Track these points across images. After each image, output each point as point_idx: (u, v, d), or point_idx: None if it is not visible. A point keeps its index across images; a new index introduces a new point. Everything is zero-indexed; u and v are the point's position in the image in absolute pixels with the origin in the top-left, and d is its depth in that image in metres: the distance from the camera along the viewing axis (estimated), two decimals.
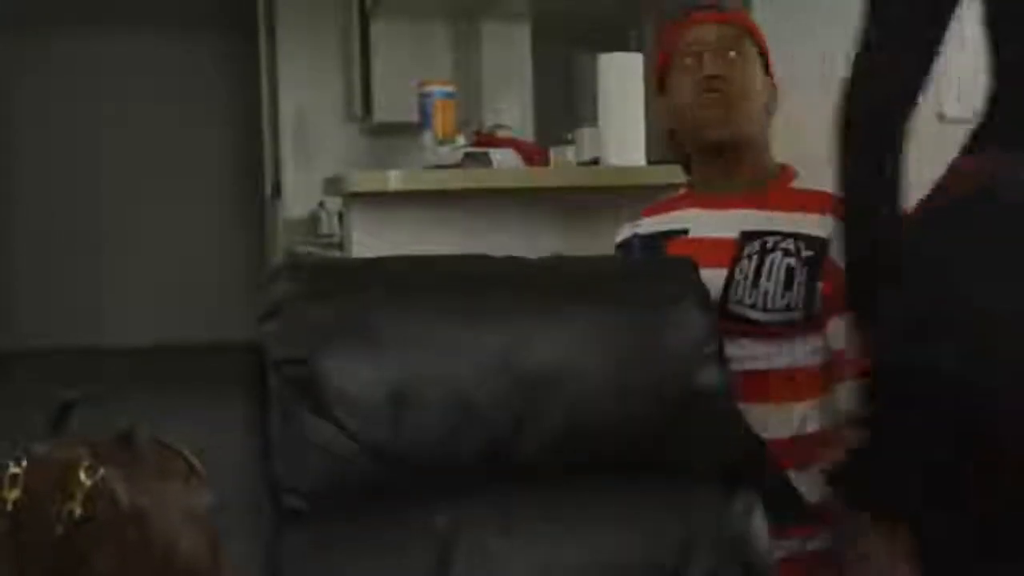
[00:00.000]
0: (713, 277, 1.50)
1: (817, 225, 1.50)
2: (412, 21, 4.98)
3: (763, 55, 1.64)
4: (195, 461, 0.99)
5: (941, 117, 4.79)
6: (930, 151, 4.70)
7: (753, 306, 1.49)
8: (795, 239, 1.51)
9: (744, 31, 1.62)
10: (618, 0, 4.83)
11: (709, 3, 1.69)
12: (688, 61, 1.60)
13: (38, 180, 7.35)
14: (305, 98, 5.33)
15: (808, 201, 1.55)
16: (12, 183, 7.31)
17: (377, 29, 5.00)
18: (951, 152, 4.48)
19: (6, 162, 7.30)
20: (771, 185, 1.60)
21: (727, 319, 1.48)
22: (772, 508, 1.36)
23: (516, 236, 2.19)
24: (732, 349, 1.43)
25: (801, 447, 1.49)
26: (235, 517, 1.13)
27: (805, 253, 1.49)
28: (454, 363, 1.25)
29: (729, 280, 1.52)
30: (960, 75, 5.09)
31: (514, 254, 1.49)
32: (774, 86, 1.66)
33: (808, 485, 1.45)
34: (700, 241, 1.58)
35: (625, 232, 1.72)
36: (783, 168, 1.65)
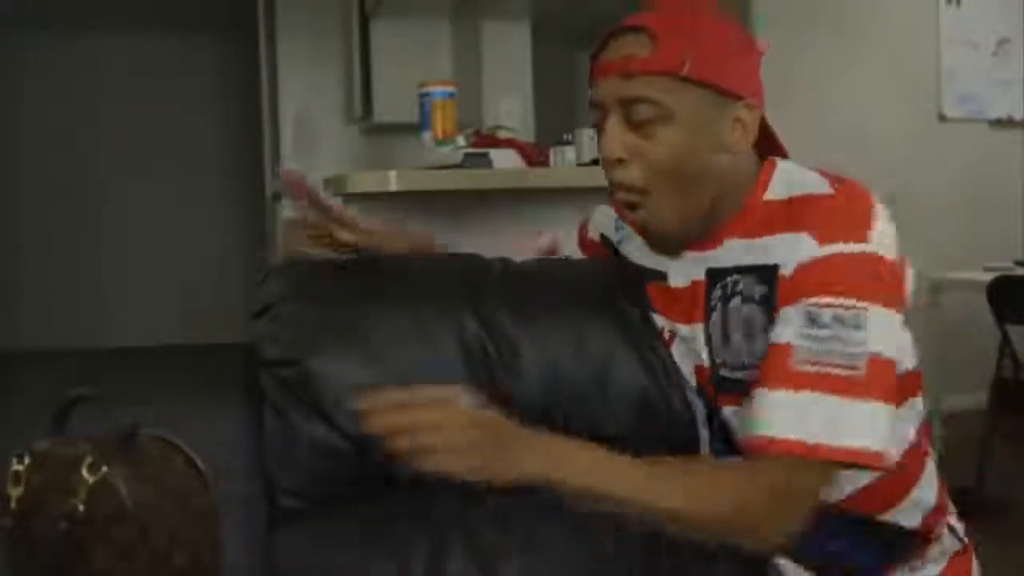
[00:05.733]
0: (695, 337, 1.24)
1: (778, 247, 1.15)
2: (412, 21, 4.98)
3: (709, 85, 1.15)
4: (197, 458, 0.99)
5: (941, 117, 4.81)
6: (930, 151, 4.77)
7: (736, 367, 1.19)
8: (749, 274, 1.18)
9: (664, 75, 1.14)
10: (618, 0, 4.82)
11: (629, 24, 1.18)
12: (594, 116, 1.22)
13: (39, 181, 7.35)
14: (305, 98, 5.32)
15: (776, 217, 1.17)
16: (13, 184, 7.31)
17: (377, 29, 5.00)
18: (951, 152, 4.56)
19: (7, 163, 7.30)
20: (744, 200, 1.21)
21: (724, 390, 1.22)
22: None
23: (516, 236, 2.19)
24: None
25: None
26: (231, 515, 1.14)
27: (759, 291, 1.16)
28: (444, 363, 1.25)
29: (708, 340, 1.22)
30: (960, 75, 5.11)
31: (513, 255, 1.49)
32: (745, 105, 1.17)
33: None
34: (677, 293, 1.27)
35: (599, 222, 1.44)
36: (763, 168, 1.22)
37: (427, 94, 2.93)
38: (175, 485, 0.95)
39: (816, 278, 1.08)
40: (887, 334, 1.06)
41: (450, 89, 2.97)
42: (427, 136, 2.90)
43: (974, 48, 4.88)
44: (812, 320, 1.06)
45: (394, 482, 1.26)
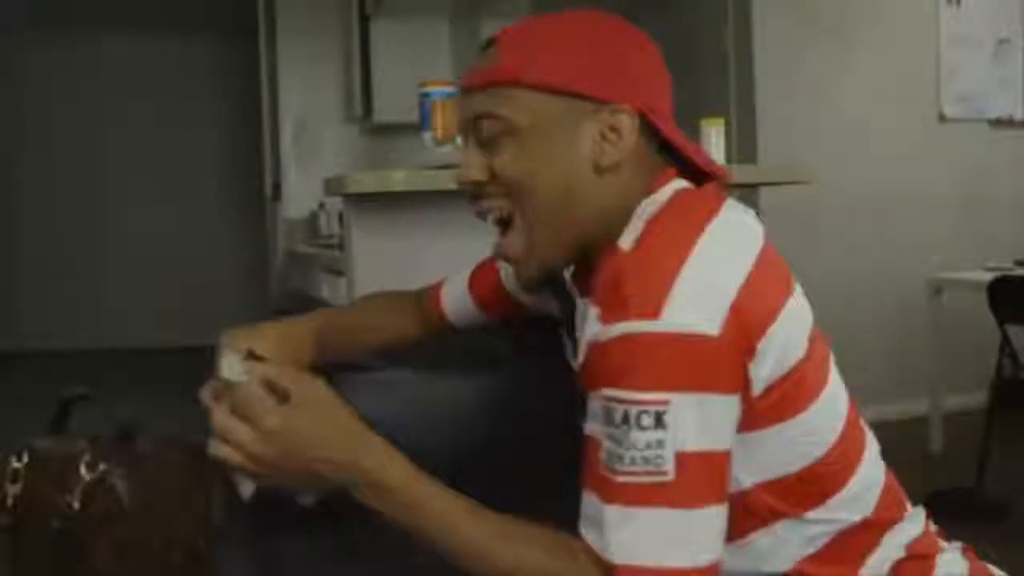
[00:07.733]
0: None
1: (584, 316, 1.00)
2: (412, 21, 4.99)
3: (562, 91, 1.01)
4: (195, 456, 0.98)
5: (941, 117, 4.80)
6: (930, 151, 4.76)
7: None
8: None
9: (505, 86, 1.02)
10: (617, 1, 4.83)
11: (488, 39, 1.08)
12: (461, 142, 1.12)
13: (39, 181, 7.35)
14: (305, 98, 5.33)
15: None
16: (14, 184, 7.31)
17: (377, 29, 5.01)
18: (951, 152, 4.56)
19: (8, 163, 7.30)
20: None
21: None
22: None
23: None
24: None
25: None
26: (234, 519, 1.13)
27: None
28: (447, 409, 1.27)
29: None
30: (960, 75, 5.10)
31: None
32: (616, 111, 1.02)
33: None
34: None
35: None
36: (650, 197, 1.02)
37: (427, 94, 2.92)
38: (173, 483, 0.95)
39: (602, 367, 0.91)
40: (699, 423, 0.89)
41: (450, 89, 2.97)
42: (427, 136, 2.90)
43: (974, 48, 4.88)
44: (608, 416, 0.90)
45: None
